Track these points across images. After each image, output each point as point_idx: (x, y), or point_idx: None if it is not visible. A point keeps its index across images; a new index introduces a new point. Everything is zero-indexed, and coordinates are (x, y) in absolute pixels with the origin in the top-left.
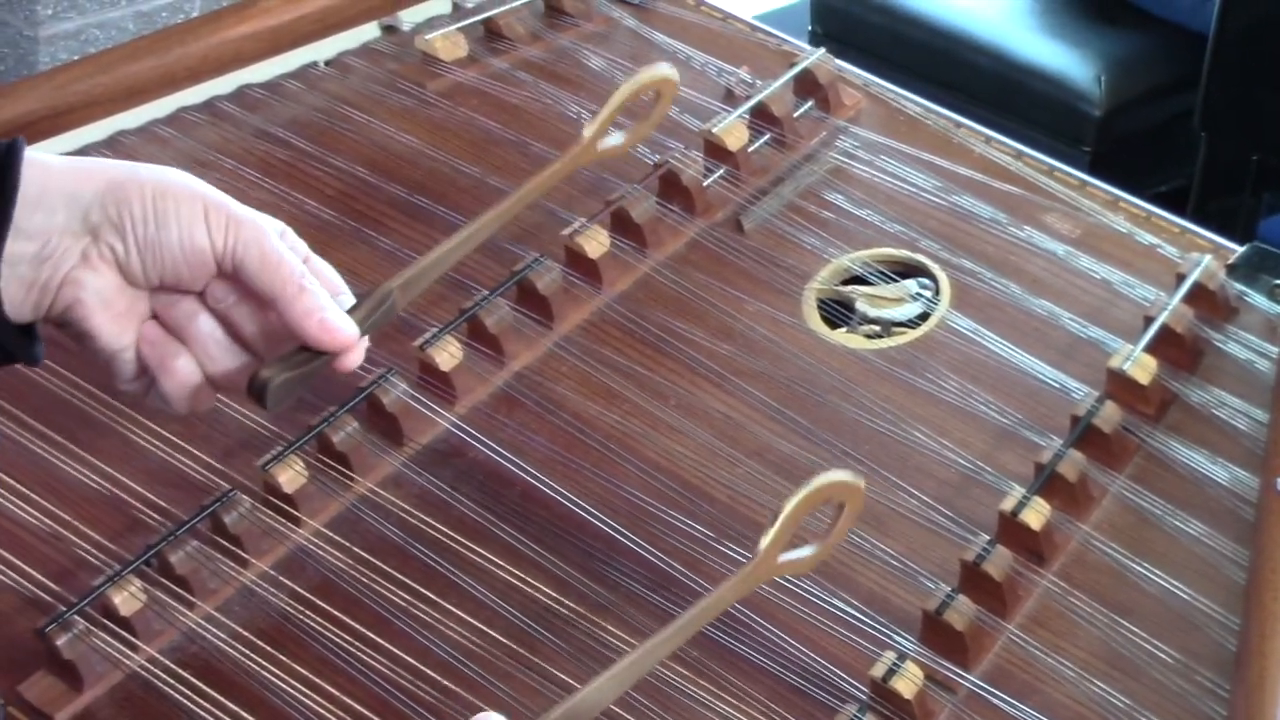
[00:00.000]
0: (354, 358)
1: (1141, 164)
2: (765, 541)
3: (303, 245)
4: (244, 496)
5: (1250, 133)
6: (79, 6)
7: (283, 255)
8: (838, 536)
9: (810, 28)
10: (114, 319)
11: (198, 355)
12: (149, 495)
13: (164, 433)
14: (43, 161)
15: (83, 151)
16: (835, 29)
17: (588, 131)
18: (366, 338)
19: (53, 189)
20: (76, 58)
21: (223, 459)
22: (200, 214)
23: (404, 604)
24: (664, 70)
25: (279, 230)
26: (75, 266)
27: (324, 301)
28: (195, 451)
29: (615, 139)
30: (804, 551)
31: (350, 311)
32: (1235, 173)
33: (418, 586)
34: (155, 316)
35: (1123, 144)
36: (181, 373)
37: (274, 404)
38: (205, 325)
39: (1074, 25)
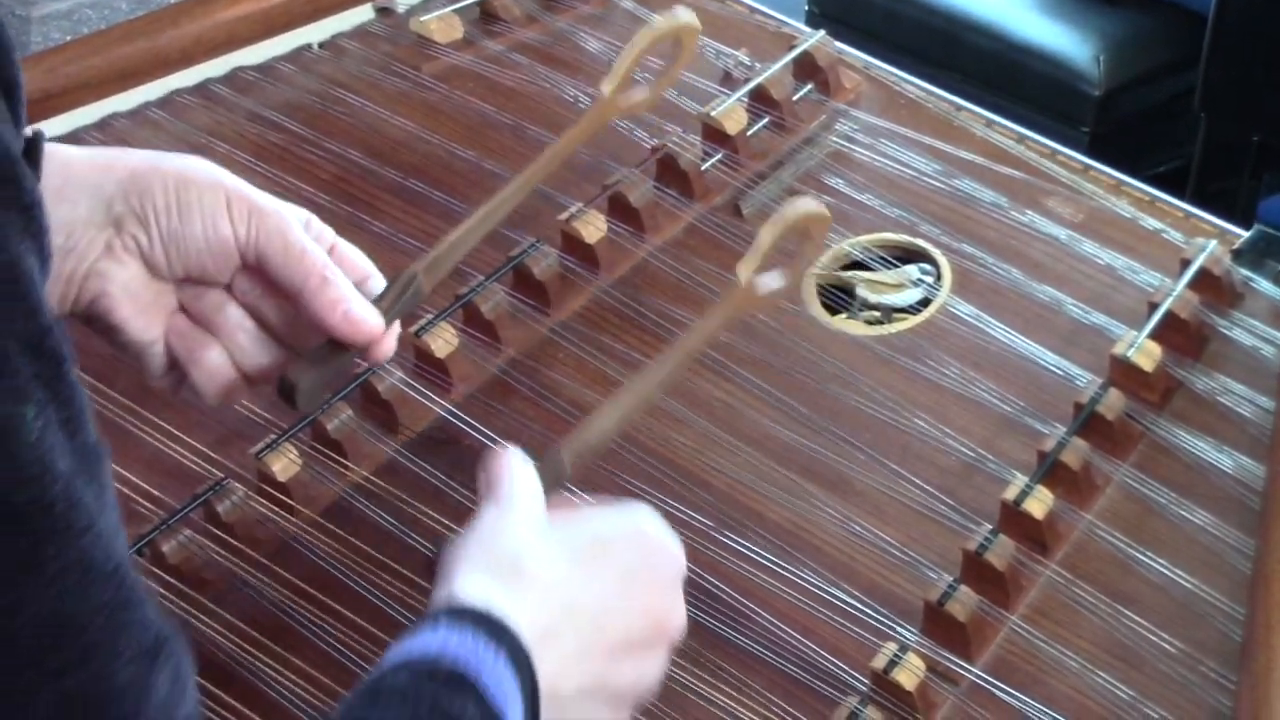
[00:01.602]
0: (385, 349)
1: (1140, 145)
2: (745, 269)
3: (329, 233)
4: (237, 485)
5: (1250, 114)
6: None
7: (306, 246)
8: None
9: (807, 8)
10: (141, 311)
11: (228, 347)
12: (141, 484)
13: (157, 420)
14: (63, 154)
15: (74, 134)
16: (832, 9)
17: (607, 88)
18: (397, 326)
19: (74, 181)
20: (69, 38)
21: (216, 447)
22: (223, 204)
23: (399, 594)
24: (683, 17)
25: (303, 220)
26: (100, 258)
27: (348, 292)
28: (188, 439)
29: (639, 93)
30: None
31: (376, 300)
32: (1235, 154)
33: (413, 576)
34: (183, 309)
35: (1122, 125)
36: (212, 365)
37: (305, 404)
38: (234, 316)
39: (1072, 5)
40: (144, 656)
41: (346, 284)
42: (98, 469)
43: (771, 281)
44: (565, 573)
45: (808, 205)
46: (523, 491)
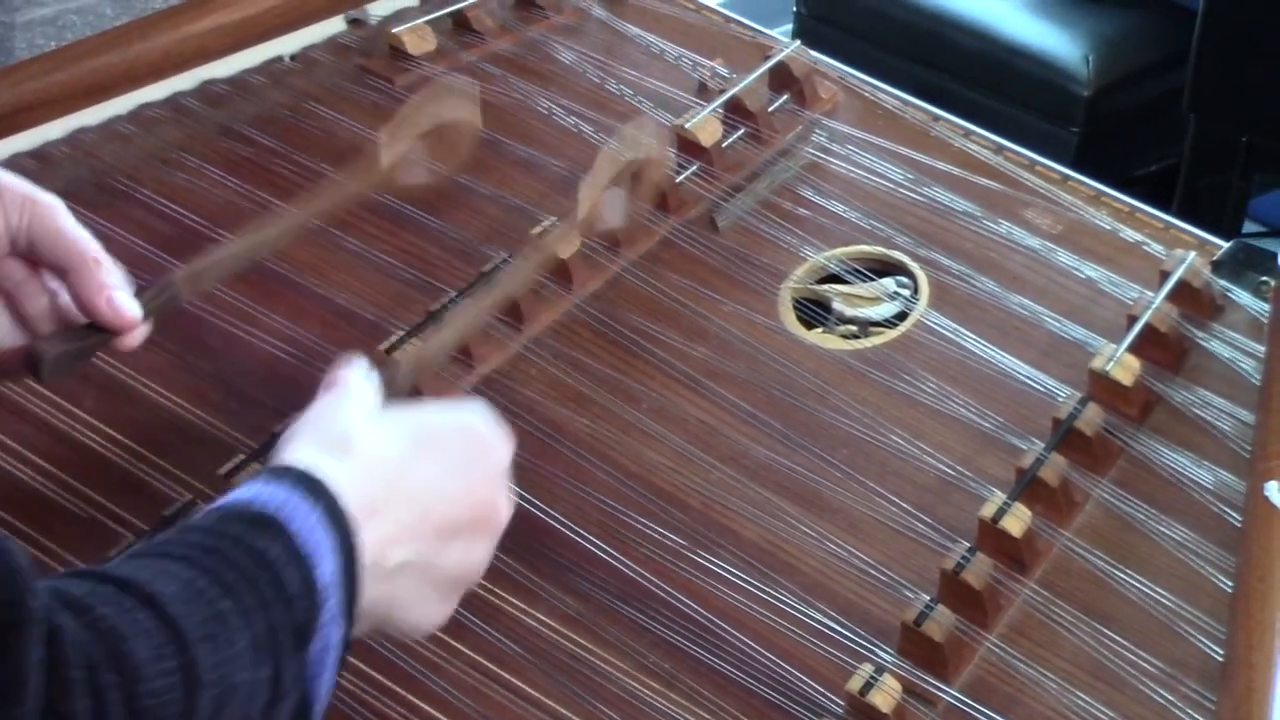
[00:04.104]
0: (134, 339)
1: (1131, 144)
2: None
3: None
4: (205, 506)
5: (1239, 114)
6: None
7: (78, 230)
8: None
9: (795, 8)
10: None
11: None
12: (108, 504)
13: (121, 439)
14: None
15: (41, 149)
16: (821, 9)
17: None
18: (149, 322)
19: None
20: (54, 44)
21: (183, 466)
22: None
23: None
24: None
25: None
26: None
27: (116, 280)
28: (154, 458)
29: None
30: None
31: (136, 296)
32: (1224, 154)
33: None
34: None
35: (1112, 124)
36: None
37: (50, 375)
38: None
39: (1061, 5)
40: None
41: (114, 272)
42: None
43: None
44: (394, 453)
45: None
46: (358, 387)
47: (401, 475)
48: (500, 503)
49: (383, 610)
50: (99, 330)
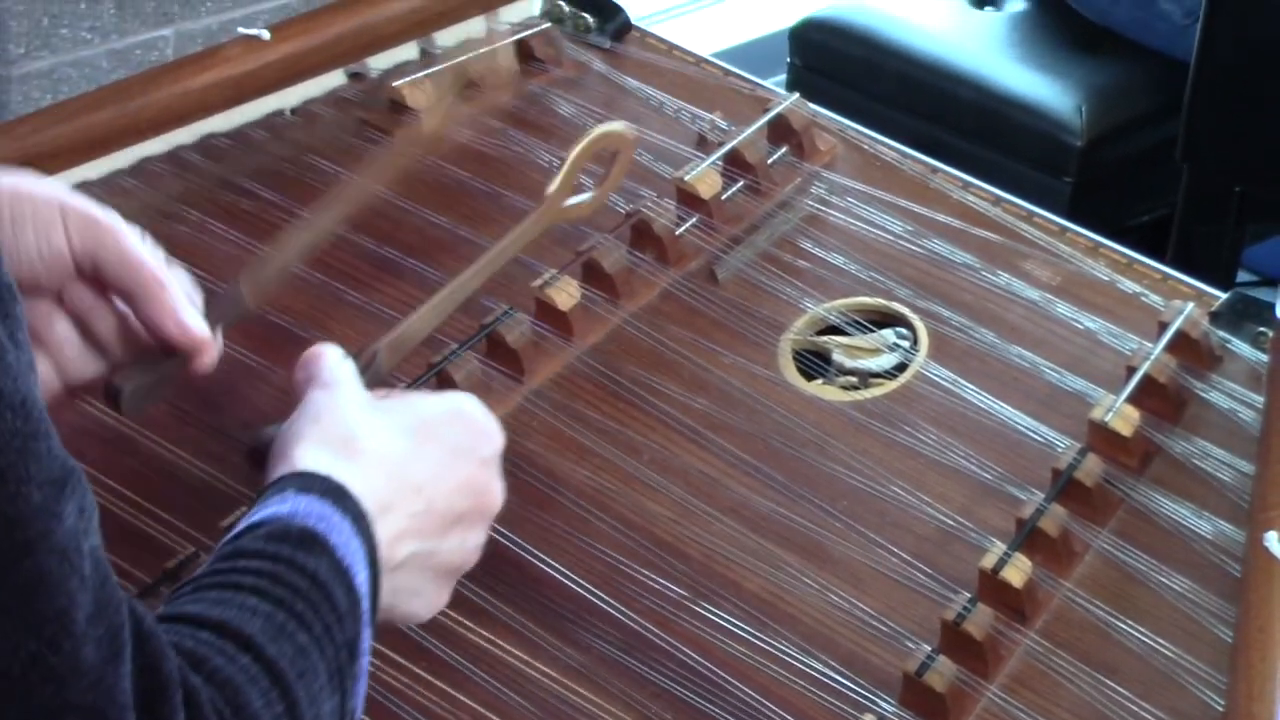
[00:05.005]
0: (208, 359)
1: (1124, 194)
2: (552, 187)
3: (160, 252)
4: (205, 558)
5: (1232, 164)
6: (51, 45)
7: (142, 254)
8: (613, 181)
9: (789, 59)
10: None
11: (54, 360)
12: (109, 556)
13: (121, 489)
14: None
15: None
16: (814, 61)
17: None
18: (220, 338)
19: None
20: (50, 97)
21: (185, 519)
22: (58, 217)
23: (370, 669)
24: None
25: (139, 234)
26: None
27: (181, 302)
28: (156, 510)
29: (583, 196)
30: (584, 196)
31: (205, 307)
32: (1217, 204)
33: (384, 649)
34: None
35: (1105, 174)
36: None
37: (130, 409)
38: (62, 330)
39: (1054, 55)
40: (52, 484)
41: (179, 292)
42: (11, 306)
43: (579, 197)
44: (398, 447)
45: (611, 126)
46: (345, 374)
47: (406, 469)
48: (495, 487)
49: (387, 602)
50: (173, 354)
